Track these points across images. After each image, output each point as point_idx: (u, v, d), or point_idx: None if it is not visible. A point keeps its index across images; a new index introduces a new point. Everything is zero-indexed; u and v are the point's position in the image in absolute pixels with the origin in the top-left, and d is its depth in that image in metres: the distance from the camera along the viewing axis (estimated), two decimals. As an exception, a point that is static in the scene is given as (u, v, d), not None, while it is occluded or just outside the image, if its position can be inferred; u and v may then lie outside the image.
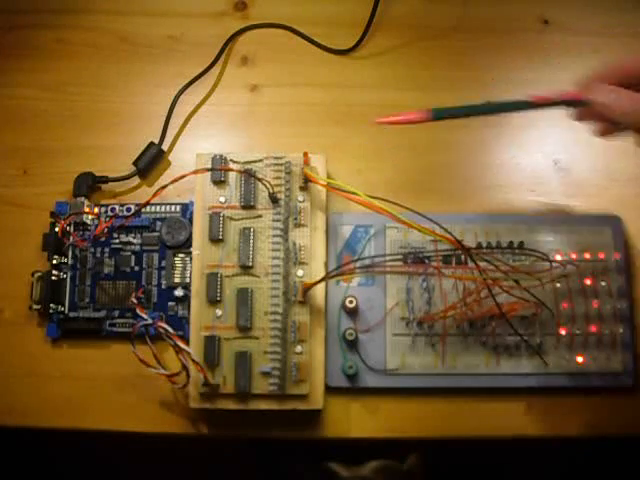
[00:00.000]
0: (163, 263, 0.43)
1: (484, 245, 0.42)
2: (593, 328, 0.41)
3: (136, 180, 0.46)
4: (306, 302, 0.40)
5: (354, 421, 0.41)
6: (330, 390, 0.41)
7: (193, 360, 0.38)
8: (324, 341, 0.40)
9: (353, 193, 0.39)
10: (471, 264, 0.39)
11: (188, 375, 0.38)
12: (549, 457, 0.71)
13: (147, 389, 0.42)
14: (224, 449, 0.74)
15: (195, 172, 0.41)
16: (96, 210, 0.44)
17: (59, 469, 0.77)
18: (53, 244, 0.43)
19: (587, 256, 0.42)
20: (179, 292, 0.42)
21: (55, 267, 0.43)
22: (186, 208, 0.44)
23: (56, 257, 0.43)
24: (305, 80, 0.48)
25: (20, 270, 0.43)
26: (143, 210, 0.43)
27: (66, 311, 0.43)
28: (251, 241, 0.40)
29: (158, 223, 0.43)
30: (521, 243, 0.42)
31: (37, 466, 0.76)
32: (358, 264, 0.41)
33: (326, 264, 0.41)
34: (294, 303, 0.40)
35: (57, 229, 0.43)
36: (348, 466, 0.50)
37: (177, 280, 0.43)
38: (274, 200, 0.41)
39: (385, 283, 0.42)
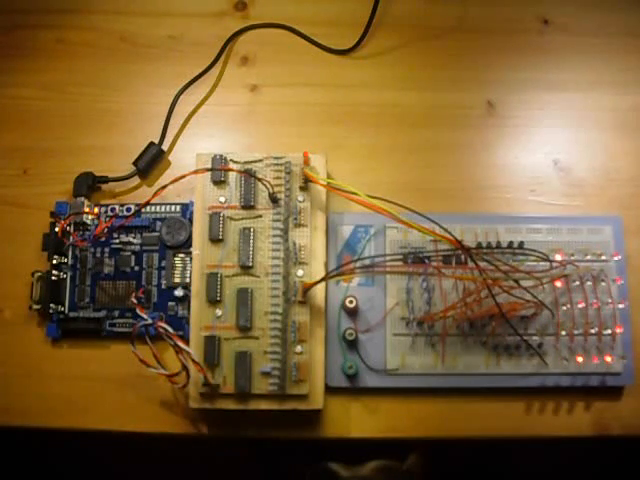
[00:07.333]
0: (163, 263, 0.43)
1: (484, 245, 0.42)
2: (593, 328, 0.41)
3: (136, 180, 0.46)
4: (306, 302, 0.40)
5: (354, 421, 0.41)
6: (330, 390, 0.41)
7: (193, 360, 0.38)
8: (324, 341, 0.40)
9: (353, 193, 0.39)
10: (471, 264, 0.39)
11: (188, 375, 0.38)
12: (549, 457, 0.71)
13: (147, 389, 0.42)
14: (224, 449, 0.74)
15: (195, 172, 0.41)
16: (96, 210, 0.44)
17: (59, 469, 0.77)
18: (53, 244, 0.43)
19: (587, 256, 0.42)
20: (179, 292, 0.42)
21: (55, 267, 0.43)
22: (186, 208, 0.44)
23: (56, 257, 0.43)
24: (305, 80, 0.48)
25: (20, 270, 0.43)
26: (143, 210, 0.43)
27: (66, 311, 0.43)
28: (251, 241, 0.40)
29: (158, 223, 0.43)
30: (521, 243, 0.42)
31: (37, 466, 0.76)
32: (358, 264, 0.41)
33: (326, 264, 0.41)
34: (294, 303, 0.40)
35: (57, 229, 0.43)
36: (348, 466, 0.50)
37: (177, 280, 0.43)
38: (274, 200, 0.41)
39: (385, 283, 0.42)
